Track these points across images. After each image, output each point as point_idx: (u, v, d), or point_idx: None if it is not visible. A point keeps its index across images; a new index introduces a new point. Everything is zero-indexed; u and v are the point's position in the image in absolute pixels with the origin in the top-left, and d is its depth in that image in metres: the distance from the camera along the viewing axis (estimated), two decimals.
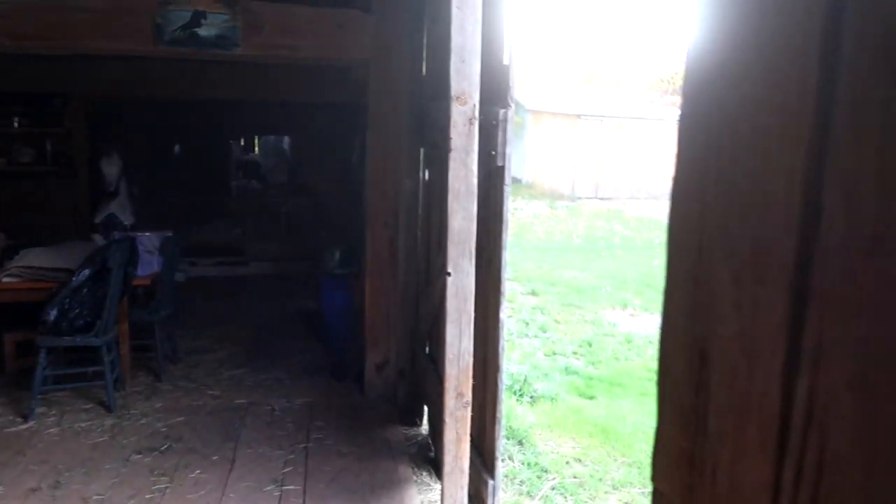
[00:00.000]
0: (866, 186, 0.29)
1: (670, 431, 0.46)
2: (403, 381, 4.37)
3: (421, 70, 4.12)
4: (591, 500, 3.45)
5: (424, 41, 4.09)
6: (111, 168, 5.86)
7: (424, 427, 4.12)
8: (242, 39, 3.79)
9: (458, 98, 2.30)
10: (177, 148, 8.97)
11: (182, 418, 4.15)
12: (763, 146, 0.36)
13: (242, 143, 11.51)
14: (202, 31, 3.68)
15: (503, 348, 2.67)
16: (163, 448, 3.73)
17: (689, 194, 0.43)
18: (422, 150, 4.16)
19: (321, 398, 4.55)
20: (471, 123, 2.33)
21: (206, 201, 8.67)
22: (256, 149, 11.69)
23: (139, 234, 5.02)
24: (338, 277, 5.65)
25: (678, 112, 0.46)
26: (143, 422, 4.08)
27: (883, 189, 0.29)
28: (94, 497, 3.21)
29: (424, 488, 3.45)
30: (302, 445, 3.84)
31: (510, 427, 4.20)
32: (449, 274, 2.41)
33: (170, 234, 5.31)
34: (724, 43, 0.39)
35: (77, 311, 4.05)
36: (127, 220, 6.00)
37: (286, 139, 10.17)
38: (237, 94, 6.62)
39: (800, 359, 0.33)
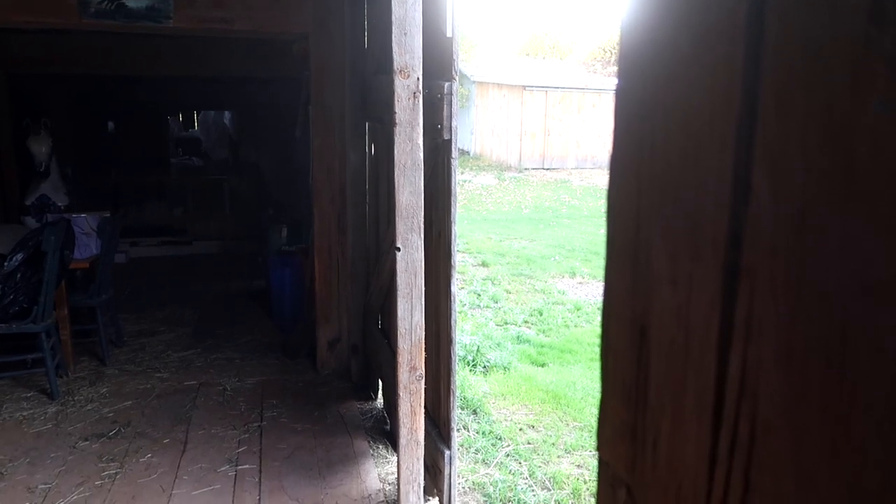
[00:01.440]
0: (791, 165, 0.30)
1: (613, 404, 0.47)
2: (357, 356, 4.37)
3: (363, 43, 4.04)
4: (544, 464, 3.54)
5: (365, 13, 4.01)
6: (40, 147, 5.59)
7: (379, 401, 4.14)
8: (175, 11, 3.63)
9: (400, 71, 2.27)
10: (110, 125, 8.62)
11: (130, 403, 4.06)
12: (694, 125, 0.36)
13: (181, 119, 11.14)
14: (131, 3, 3.51)
15: (455, 321, 2.69)
16: (111, 434, 3.65)
17: (625, 172, 0.44)
18: (367, 124, 4.11)
19: (274, 376, 4.52)
20: (415, 97, 2.31)
21: (145, 180, 8.39)
22: (196, 124, 11.33)
23: (75, 215, 4.84)
24: (286, 254, 5.57)
25: (614, 87, 0.47)
26: (88, 408, 3.97)
27: (806, 168, 0.29)
28: (40, 486, 3.12)
29: (381, 461, 3.47)
30: (256, 424, 3.81)
31: (464, 397, 4.25)
32: (398, 249, 2.40)
33: (107, 214, 5.14)
34: (655, 21, 0.40)
35: (11, 297, 3.89)
36: (61, 201, 5.76)
37: (227, 114, 9.88)
38: (173, 69, 6.37)
39: (732, 333, 0.34)
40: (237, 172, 8.75)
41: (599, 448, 0.51)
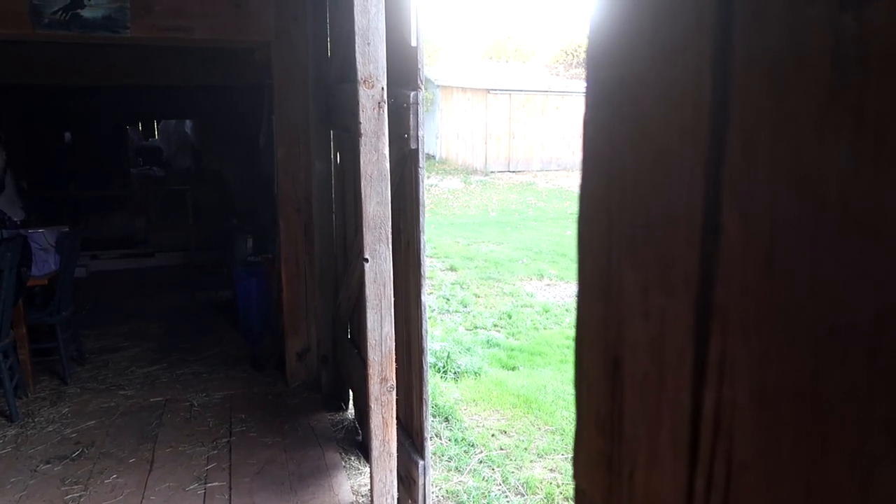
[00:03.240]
0: (759, 208, 0.30)
1: (589, 433, 0.48)
2: (326, 367, 4.33)
3: (326, 51, 4.02)
4: (517, 469, 3.55)
5: (328, 21, 3.99)
6: None
7: (350, 411, 4.11)
8: (132, 21, 3.56)
9: (364, 82, 2.26)
10: (67, 136, 8.41)
11: (93, 422, 3.96)
12: (663, 163, 0.36)
13: (141, 128, 10.93)
14: (86, 13, 3.43)
15: (426, 330, 2.69)
16: (74, 455, 3.56)
17: (595, 204, 0.44)
18: (332, 133, 4.09)
19: (242, 390, 4.45)
20: (380, 107, 2.30)
21: (104, 191, 8.21)
22: (156, 133, 11.13)
23: (31, 230, 4.71)
24: (252, 265, 5.51)
25: (583, 118, 0.47)
26: (49, 429, 3.86)
27: (774, 212, 0.30)
28: None
29: (354, 472, 3.45)
30: (224, 440, 3.75)
31: (436, 405, 4.25)
32: (366, 260, 2.38)
33: (66, 229, 5.01)
34: (620, 57, 0.40)
35: None
36: (16, 216, 5.60)
37: (188, 122, 9.72)
38: (132, 78, 6.25)
39: (706, 371, 0.34)
40: (200, 182, 8.61)
41: (576, 475, 0.51)
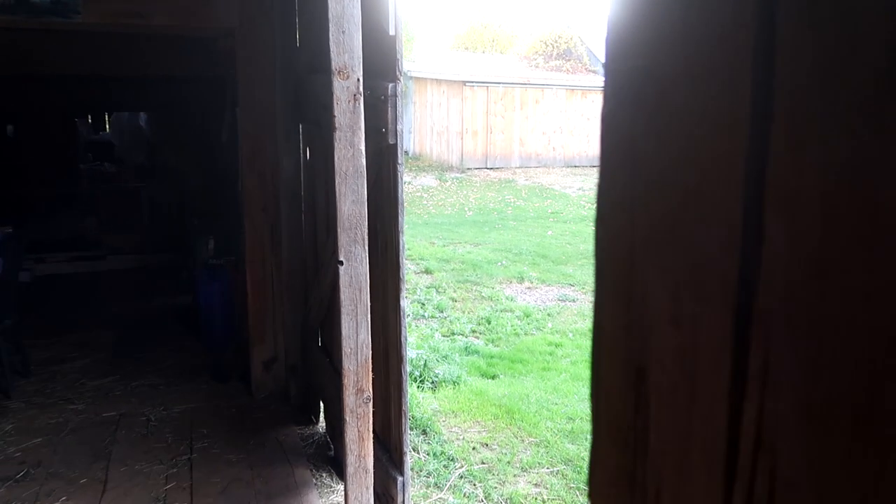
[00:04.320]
0: (807, 207, 0.30)
1: (607, 448, 0.47)
2: (295, 377, 4.29)
3: (295, 39, 3.99)
4: (500, 484, 3.55)
5: (296, 7, 3.96)
6: None
7: (321, 424, 4.08)
8: (84, 6, 3.49)
9: (339, 72, 2.24)
10: (9, 129, 8.23)
11: (39, 440, 3.88)
12: (696, 159, 0.36)
13: (90, 121, 10.74)
14: None
15: (405, 337, 2.68)
16: (18, 476, 3.48)
17: (616, 203, 0.44)
18: (301, 127, 4.05)
19: (203, 403, 4.39)
20: (355, 99, 2.28)
21: (51, 189, 8.04)
22: (108, 127, 10.95)
23: None
24: (214, 268, 5.43)
25: (600, 112, 0.46)
26: None
27: (824, 211, 0.30)
28: None
29: (326, 490, 3.42)
30: (185, 457, 3.70)
31: (413, 416, 4.23)
32: (341, 263, 2.37)
33: (9, 229, 4.90)
34: (650, 44, 0.40)
35: None
36: None
37: (143, 115, 9.58)
38: (81, 68, 6.13)
39: (746, 381, 0.34)
40: (156, 179, 8.48)
41: (591, 494, 0.50)
